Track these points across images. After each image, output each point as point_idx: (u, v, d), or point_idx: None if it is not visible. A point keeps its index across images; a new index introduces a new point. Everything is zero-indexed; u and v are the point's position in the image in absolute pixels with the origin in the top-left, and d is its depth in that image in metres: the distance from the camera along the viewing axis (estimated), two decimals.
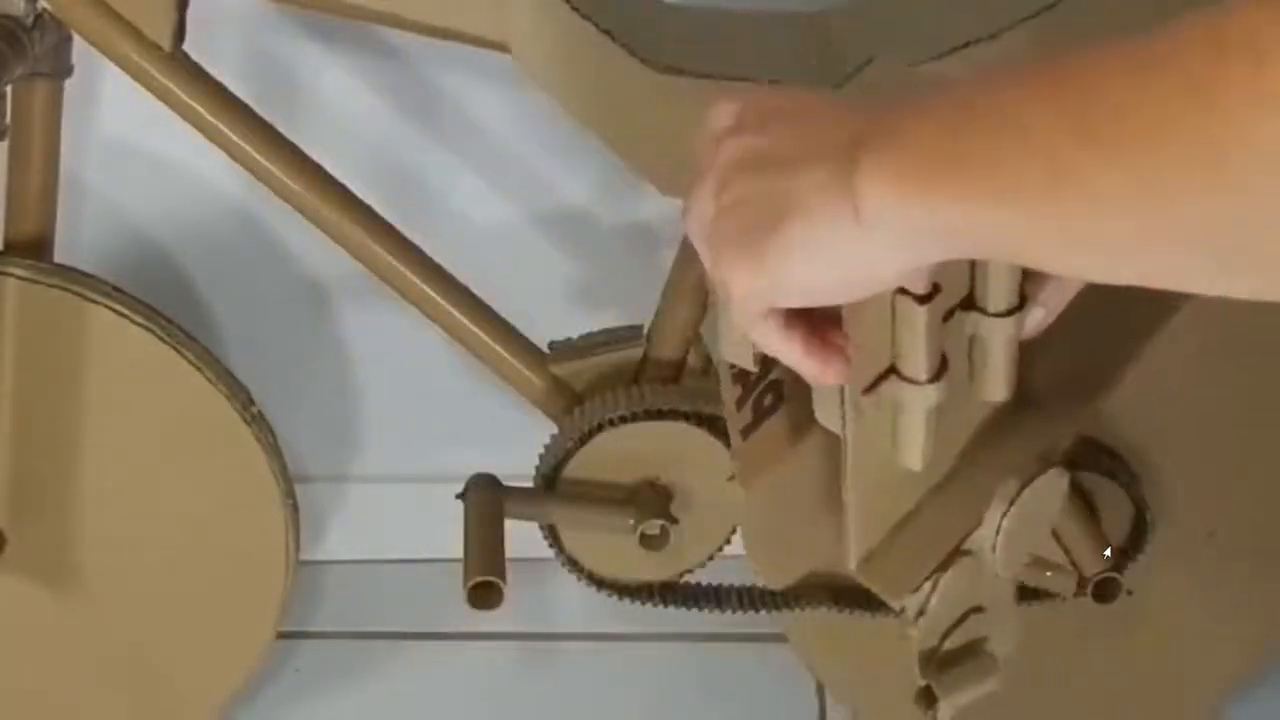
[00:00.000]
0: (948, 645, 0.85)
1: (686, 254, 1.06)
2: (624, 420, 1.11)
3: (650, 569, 1.18)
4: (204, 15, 1.03)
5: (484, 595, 1.10)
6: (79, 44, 1.05)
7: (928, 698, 0.86)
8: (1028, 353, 0.76)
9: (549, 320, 1.18)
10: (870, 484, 0.76)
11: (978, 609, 0.84)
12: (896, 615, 0.84)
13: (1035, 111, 0.51)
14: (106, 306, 1.12)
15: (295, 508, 1.22)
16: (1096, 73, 0.49)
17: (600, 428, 1.12)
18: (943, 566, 0.80)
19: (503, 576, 1.09)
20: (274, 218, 1.32)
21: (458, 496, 1.14)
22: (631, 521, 1.13)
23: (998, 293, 0.71)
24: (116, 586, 1.23)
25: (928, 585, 0.81)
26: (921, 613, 0.82)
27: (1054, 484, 0.80)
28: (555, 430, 1.14)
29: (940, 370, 0.71)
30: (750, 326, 0.65)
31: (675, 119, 0.95)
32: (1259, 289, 0.49)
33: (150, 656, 1.27)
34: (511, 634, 1.44)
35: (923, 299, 0.67)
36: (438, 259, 1.11)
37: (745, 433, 0.81)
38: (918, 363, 0.70)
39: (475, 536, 1.12)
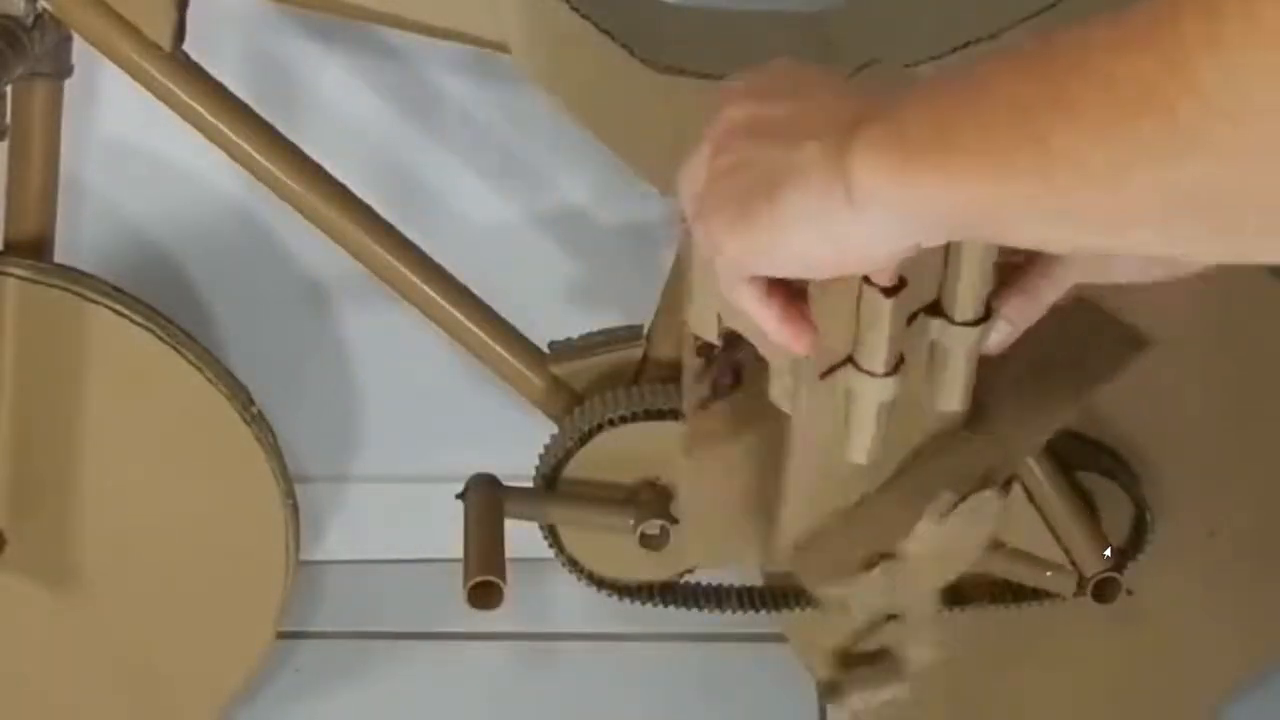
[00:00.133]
0: (859, 646, 0.85)
1: (686, 254, 1.06)
2: (624, 420, 1.11)
3: (650, 569, 1.18)
4: (204, 15, 1.03)
5: (484, 595, 1.10)
6: (79, 44, 1.05)
7: (832, 691, 0.86)
8: (986, 371, 0.76)
9: (549, 320, 1.18)
10: (811, 471, 0.77)
11: (895, 616, 0.84)
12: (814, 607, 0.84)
13: (1021, 88, 0.51)
14: (106, 306, 1.12)
15: (295, 508, 1.22)
16: (1080, 49, 0.50)
17: (600, 428, 1.12)
18: (866, 567, 0.80)
19: (503, 576, 1.09)
20: (274, 218, 1.32)
21: (458, 496, 1.14)
22: (631, 521, 1.13)
23: (965, 302, 0.71)
24: (116, 586, 1.23)
25: (848, 583, 0.80)
26: (837, 608, 0.82)
27: (989, 504, 0.80)
28: (555, 430, 1.14)
29: (897, 367, 0.72)
30: (731, 289, 0.66)
31: (675, 119, 0.95)
32: (1250, 252, 0.50)
33: (150, 656, 1.27)
34: (511, 634, 1.44)
35: (889, 291, 0.67)
36: (438, 259, 1.11)
37: (700, 405, 0.82)
38: (876, 355, 0.71)
39: (475, 536, 1.12)
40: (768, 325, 0.67)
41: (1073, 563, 1.20)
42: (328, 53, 1.26)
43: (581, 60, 0.98)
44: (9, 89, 1.05)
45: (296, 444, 1.33)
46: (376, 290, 1.12)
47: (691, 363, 0.81)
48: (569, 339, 1.15)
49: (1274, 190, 0.46)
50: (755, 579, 1.25)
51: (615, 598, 1.20)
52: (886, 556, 0.80)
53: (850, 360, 0.72)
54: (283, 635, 1.31)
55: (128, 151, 1.30)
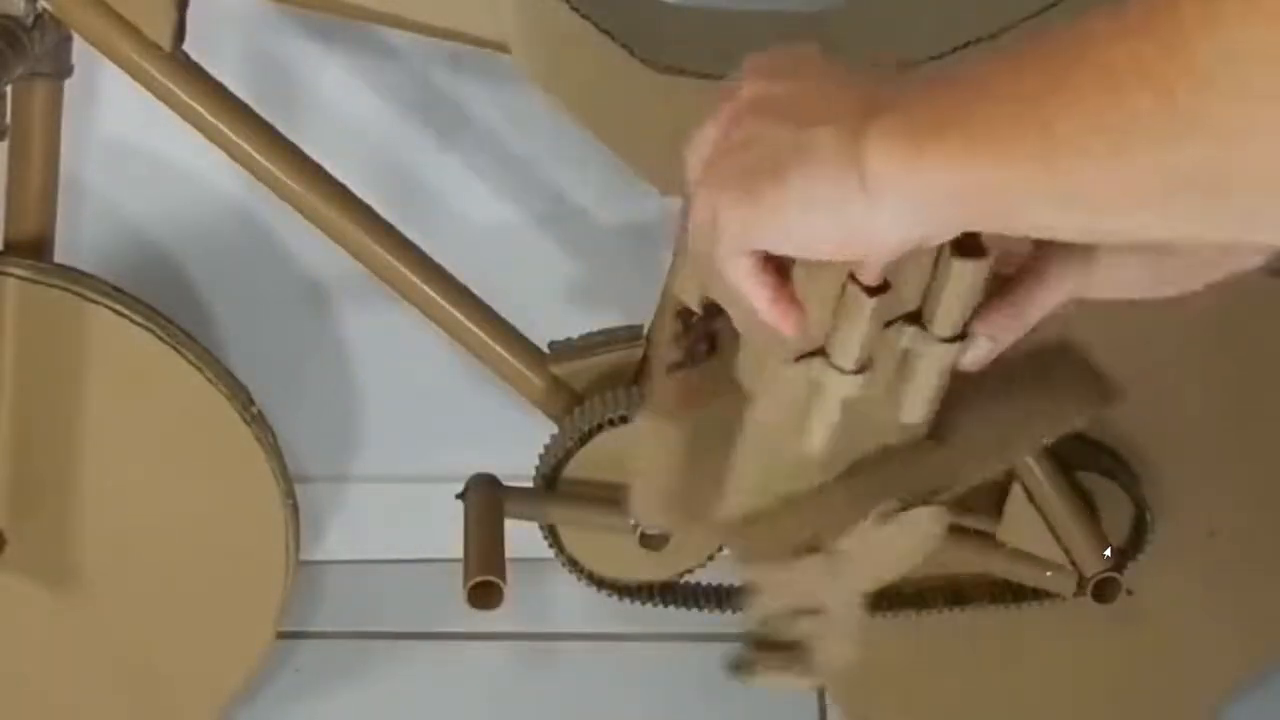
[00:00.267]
0: (774, 632, 0.85)
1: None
2: (624, 420, 1.11)
3: (650, 569, 1.18)
4: (204, 15, 1.03)
5: (484, 595, 1.10)
6: (79, 44, 1.05)
7: (740, 667, 0.87)
8: (959, 388, 0.77)
9: (549, 320, 1.18)
10: (763, 451, 0.77)
11: (816, 611, 0.85)
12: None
13: (1025, 79, 0.53)
14: (106, 306, 1.12)
15: (295, 508, 1.22)
16: (1080, 40, 0.51)
17: (600, 428, 1.12)
18: (796, 555, 0.80)
19: (503, 576, 1.09)
20: (274, 218, 1.32)
21: (458, 496, 1.14)
22: (631, 521, 1.13)
23: (945, 317, 0.71)
24: (116, 586, 1.23)
25: (775, 567, 0.81)
26: (758, 590, 0.82)
27: (933, 520, 0.80)
28: (555, 430, 1.14)
29: (866, 367, 0.72)
30: (726, 261, 0.66)
31: (675, 119, 0.95)
32: (1249, 231, 0.51)
33: (150, 656, 1.27)
34: (511, 634, 1.44)
35: (872, 291, 0.68)
36: (438, 259, 1.11)
37: (670, 369, 0.82)
38: (848, 351, 0.71)
39: (475, 536, 1.12)
40: (758, 302, 0.67)
41: (1073, 563, 1.20)
42: (328, 53, 1.26)
43: (581, 60, 0.98)
44: (9, 89, 1.05)
45: (296, 444, 1.33)
46: (376, 290, 1.12)
47: (670, 326, 0.82)
48: (569, 339, 1.15)
49: (1273, 171, 0.47)
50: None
51: (615, 598, 1.20)
52: (819, 549, 0.80)
53: (822, 351, 0.72)
54: (283, 635, 1.31)
55: (128, 151, 1.30)
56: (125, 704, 1.29)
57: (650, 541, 1.14)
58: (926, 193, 0.57)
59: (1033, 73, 0.53)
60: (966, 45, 0.98)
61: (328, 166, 1.08)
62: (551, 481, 1.14)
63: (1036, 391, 0.85)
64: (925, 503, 0.80)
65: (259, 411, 1.18)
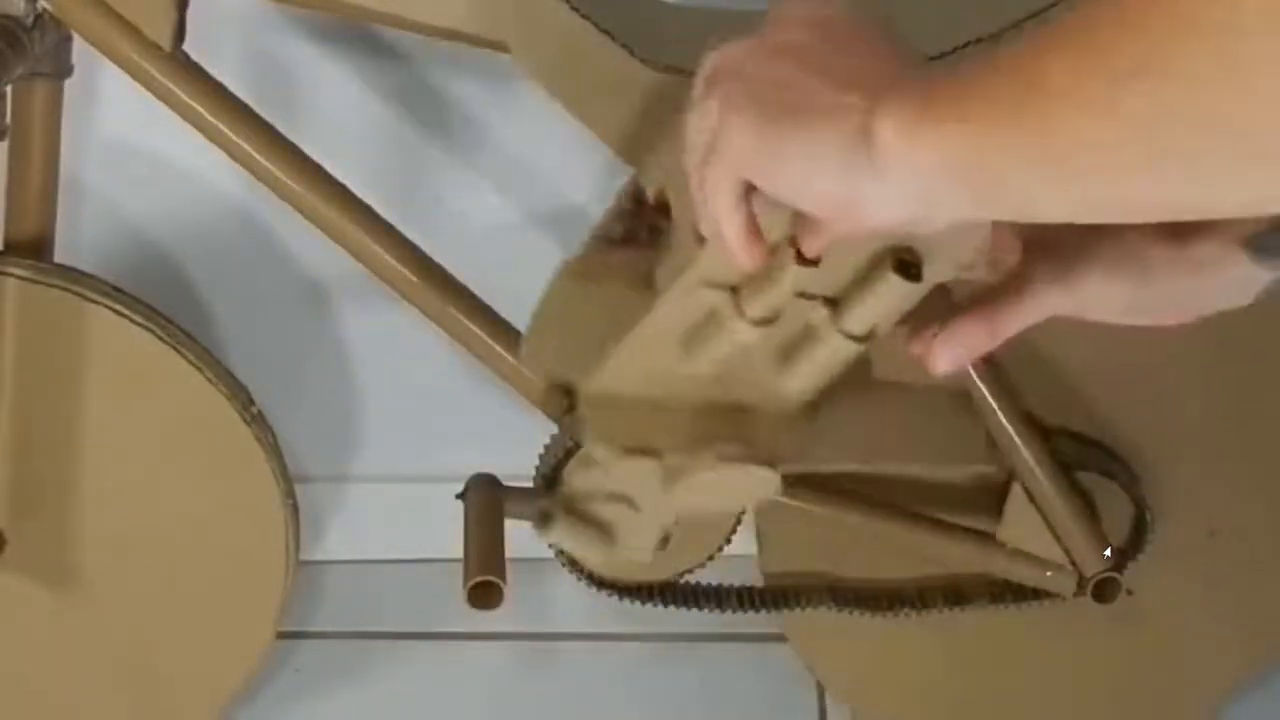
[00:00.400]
0: (585, 504, 0.88)
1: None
2: None
3: (650, 569, 1.18)
4: (204, 15, 1.03)
5: (484, 595, 1.10)
6: (79, 44, 1.05)
7: (543, 518, 0.89)
8: (851, 384, 0.79)
9: None
10: (647, 351, 0.79)
11: (632, 504, 0.87)
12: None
13: (1019, 60, 0.54)
14: (106, 306, 1.12)
15: (295, 508, 1.22)
16: (1067, 22, 0.53)
17: None
18: (629, 453, 0.83)
19: (503, 576, 1.09)
20: (274, 218, 1.32)
21: (458, 496, 1.14)
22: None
23: (858, 316, 0.74)
24: (116, 586, 1.23)
25: (612, 454, 0.83)
26: (589, 464, 0.85)
27: (764, 483, 0.82)
28: (555, 430, 1.14)
29: (767, 322, 0.74)
30: (715, 178, 0.66)
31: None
32: (1234, 192, 0.51)
33: (150, 656, 1.27)
34: (511, 634, 1.44)
35: (802, 260, 0.70)
36: (438, 259, 1.11)
37: (607, 240, 0.85)
38: (754, 303, 0.73)
39: (475, 536, 1.12)
40: (728, 226, 0.68)
41: (1073, 563, 1.20)
42: (328, 53, 1.26)
43: (581, 60, 0.98)
44: (9, 89, 1.05)
45: (296, 444, 1.33)
46: (376, 290, 1.12)
47: (623, 202, 0.85)
48: None
49: (1254, 114, 0.47)
50: (755, 579, 1.26)
51: (615, 598, 1.20)
52: (655, 456, 0.83)
53: (733, 290, 0.74)
54: (283, 635, 1.31)
55: (128, 151, 1.30)
56: (125, 704, 1.29)
57: None
58: (925, 164, 0.58)
59: (1027, 54, 0.54)
60: (967, 45, 0.98)
61: (328, 166, 1.08)
62: (551, 481, 1.14)
63: (923, 425, 0.87)
64: (766, 465, 0.82)
65: (259, 411, 1.18)
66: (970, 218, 0.63)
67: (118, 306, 1.12)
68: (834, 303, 0.74)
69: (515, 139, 1.31)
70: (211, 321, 1.39)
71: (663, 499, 0.85)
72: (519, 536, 1.13)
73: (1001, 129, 0.55)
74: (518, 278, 1.25)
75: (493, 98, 1.29)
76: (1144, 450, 1.22)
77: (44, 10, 1.02)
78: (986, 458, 0.89)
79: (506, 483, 1.15)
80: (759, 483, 0.82)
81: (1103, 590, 1.21)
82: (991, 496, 1.20)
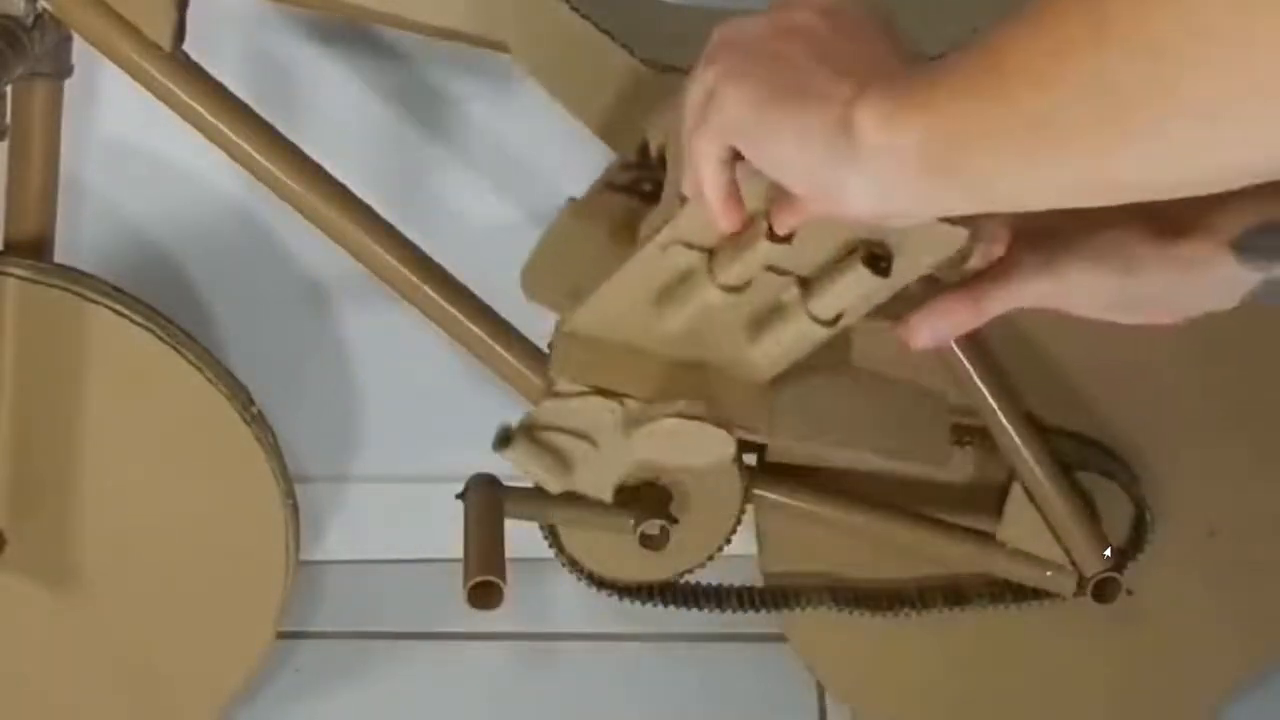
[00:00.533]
0: (549, 436, 0.90)
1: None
2: None
3: (650, 569, 1.18)
4: (204, 15, 1.03)
5: (484, 595, 1.10)
6: (79, 44, 1.05)
7: (504, 441, 0.91)
8: (820, 363, 0.81)
9: (549, 320, 1.18)
10: (625, 298, 0.81)
11: (592, 441, 0.89)
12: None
13: (997, 41, 0.55)
14: (106, 306, 1.12)
15: (295, 508, 1.22)
16: (1044, 2, 0.53)
17: None
18: (599, 393, 0.85)
19: (503, 576, 1.09)
20: (274, 218, 1.32)
21: (458, 496, 1.14)
22: (631, 521, 1.13)
23: (825, 302, 0.75)
24: (116, 586, 1.23)
25: (578, 386, 0.86)
26: (555, 395, 0.87)
27: (722, 444, 0.84)
28: None
29: (734, 290, 0.76)
30: (704, 139, 0.68)
31: (675, 119, 0.95)
32: (1194, 177, 0.52)
33: (150, 656, 1.27)
34: (511, 634, 1.44)
35: (773, 237, 0.71)
36: (438, 259, 1.11)
37: (610, 187, 0.88)
38: (727, 271, 0.75)
39: (475, 536, 1.12)
40: (710, 189, 0.69)
41: (1073, 563, 1.20)
42: (328, 53, 1.26)
43: (581, 60, 0.98)
44: (9, 89, 1.05)
45: (296, 444, 1.33)
46: (376, 290, 1.12)
47: (631, 154, 0.88)
48: None
49: (1205, 83, 0.48)
50: (755, 579, 1.26)
51: (615, 598, 1.20)
52: (621, 399, 0.85)
53: (709, 252, 0.75)
54: (283, 635, 1.31)
55: (128, 151, 1.30)
56: (125, 704, 1.29)
57: (650, 541, 1.14)
58: (900, 155, 0.59)
59: (996, 49, 0.55)
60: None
61: (328, 166, 1.08)
62: None
63: (886, 417, 0.89)
64: (724, 428, 0.83)
65: (259, 411, 1.18)
66: (948, 213, 0.64)
67: (118, 306, 1.12)
68: (806, 283, 0.76)
69: (515, 139, 1.31)
70: (211, 321, 1.39)
71: (622, 443, 0.86)
72: (519, 536, 1.13)
73: (966, 114, 0.56)
74: (518, 278, 1.26)
75: (493, 98, 1.29)
76: (1144, 450, 1.22)
77: (44, 10, 1.02)
78: (944, 460, 0.91)
79: (506, 483, 1.15)
80: (715, 443, 0.84)
81: (1103, 590, 1.21)
82: (991, 496, 1.20)
